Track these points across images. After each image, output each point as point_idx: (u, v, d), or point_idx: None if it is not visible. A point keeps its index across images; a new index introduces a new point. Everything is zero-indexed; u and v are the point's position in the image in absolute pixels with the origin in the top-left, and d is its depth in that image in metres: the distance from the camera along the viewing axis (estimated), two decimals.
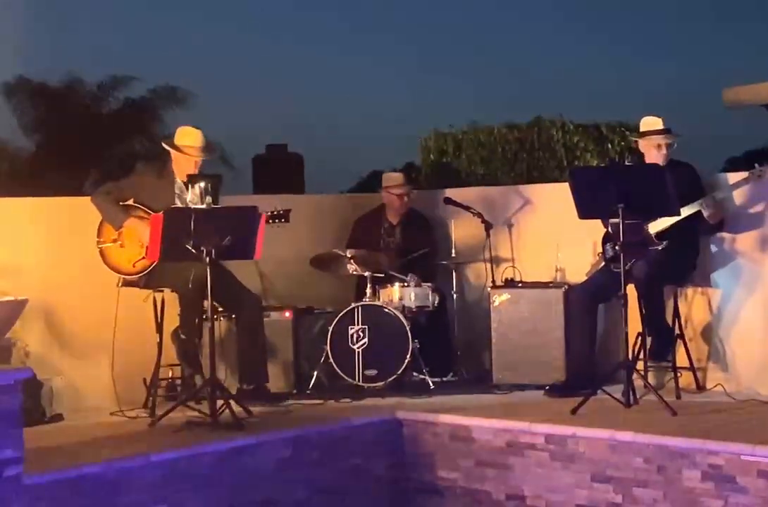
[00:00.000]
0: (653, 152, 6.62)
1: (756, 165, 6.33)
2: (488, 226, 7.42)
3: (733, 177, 6.66)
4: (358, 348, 6.93)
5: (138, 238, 6.38)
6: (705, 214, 6.35)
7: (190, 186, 6.26)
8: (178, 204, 6.45)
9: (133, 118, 20.51)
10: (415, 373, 6.99)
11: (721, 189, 6.56)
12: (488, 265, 7.40)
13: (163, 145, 6.76)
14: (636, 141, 6.83)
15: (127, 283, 6.48)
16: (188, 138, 6.63)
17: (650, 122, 6.68)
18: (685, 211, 6.28)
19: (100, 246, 6.49)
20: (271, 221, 6.54)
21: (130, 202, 6.53)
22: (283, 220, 6.64)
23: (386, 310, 6.97)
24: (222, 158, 18.43)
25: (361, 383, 6.90)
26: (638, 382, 6.11)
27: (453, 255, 7.43)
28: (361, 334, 6.95)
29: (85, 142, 19.16)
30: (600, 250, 6.76)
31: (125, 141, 20.56)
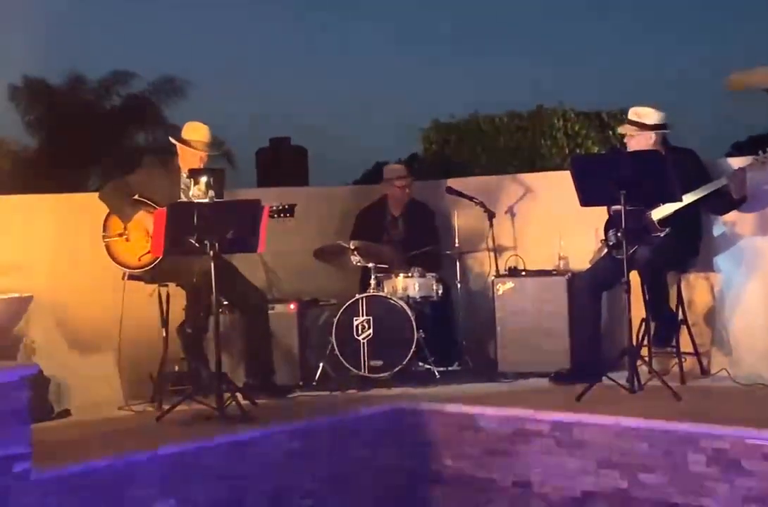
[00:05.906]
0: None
1: (760, 151, 6.31)
2: (491, 215, 7.42)
3: (735, 162, 6.65)
4: (363, 339, 6.95)
5: (145, 232, 6.40)
6: (731, 187, 6.31)
7: (193, 180, 6.28)
8: (184, 199, 6.47)
9: (135, 112, 20.50)
10: (420, 363, 7.01)
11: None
12: (491, 254, 7.41)
13: (171, 139, 6.82)
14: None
15: (132, 277, 6.50)
16: (196, 133, 6.67)
17: (640, 113, 6.62)
18: (706, 190, 6.28)
19: (105, 240, 6.51)
20: (276, 216, 6.56)
21: (136, 197, 6.56)
22: (288, 214, 6.65)
23: (391, 300, 6.99)
24: (226, 155, 18.46)
25: (366, 374, 6.92)
26: (643, 368, 6.13)
27: (456, 245, 7.43)
28: (366, 325, 6.97)
29: (88, 140, 19.16)
30: (602, 237, 6.77)
31: (128, 136, 20.55)
